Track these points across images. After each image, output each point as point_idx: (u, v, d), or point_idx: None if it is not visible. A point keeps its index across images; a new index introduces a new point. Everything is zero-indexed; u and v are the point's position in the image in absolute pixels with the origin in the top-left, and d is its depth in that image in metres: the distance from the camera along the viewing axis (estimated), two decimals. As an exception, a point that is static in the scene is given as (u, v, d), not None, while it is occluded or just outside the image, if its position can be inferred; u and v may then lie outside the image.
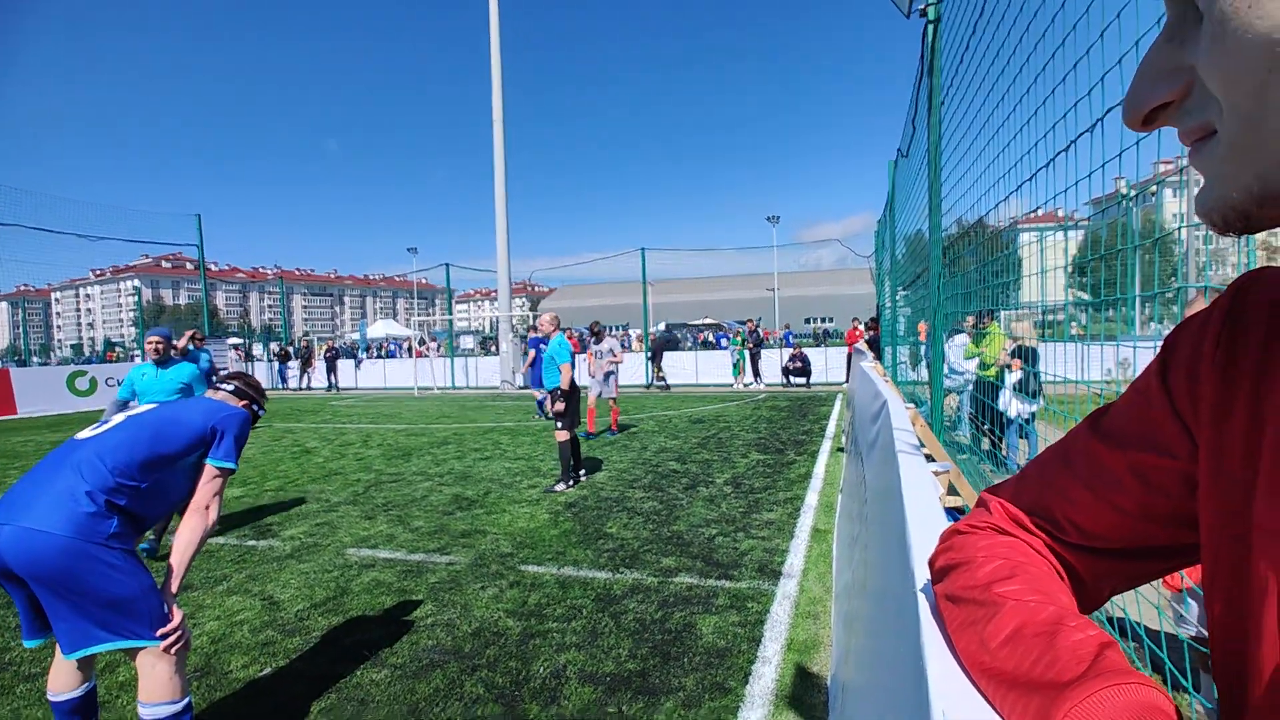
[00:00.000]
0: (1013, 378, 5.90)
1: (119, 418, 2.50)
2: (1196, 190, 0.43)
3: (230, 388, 2.87)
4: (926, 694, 0.56)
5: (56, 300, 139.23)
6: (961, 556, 0.62)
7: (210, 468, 2.53)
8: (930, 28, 3.37)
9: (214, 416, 2.57)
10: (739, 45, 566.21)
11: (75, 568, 2.10)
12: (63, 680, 2.36)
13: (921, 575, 0.80)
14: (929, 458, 2.62)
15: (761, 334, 20.26)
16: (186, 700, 2.34)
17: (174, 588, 2.35)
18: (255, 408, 2.92)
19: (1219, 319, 0.51)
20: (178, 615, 2.32)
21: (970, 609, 0.57)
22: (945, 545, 0.67)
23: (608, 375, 10.78)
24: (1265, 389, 0.45)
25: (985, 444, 4.24)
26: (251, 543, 5.39)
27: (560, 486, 6.95)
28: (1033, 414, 5.90)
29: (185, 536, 2.40)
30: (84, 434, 2.43)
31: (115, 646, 2.20)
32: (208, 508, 2.48)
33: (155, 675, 2.26)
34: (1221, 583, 0.47)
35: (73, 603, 2.12)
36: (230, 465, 2.56)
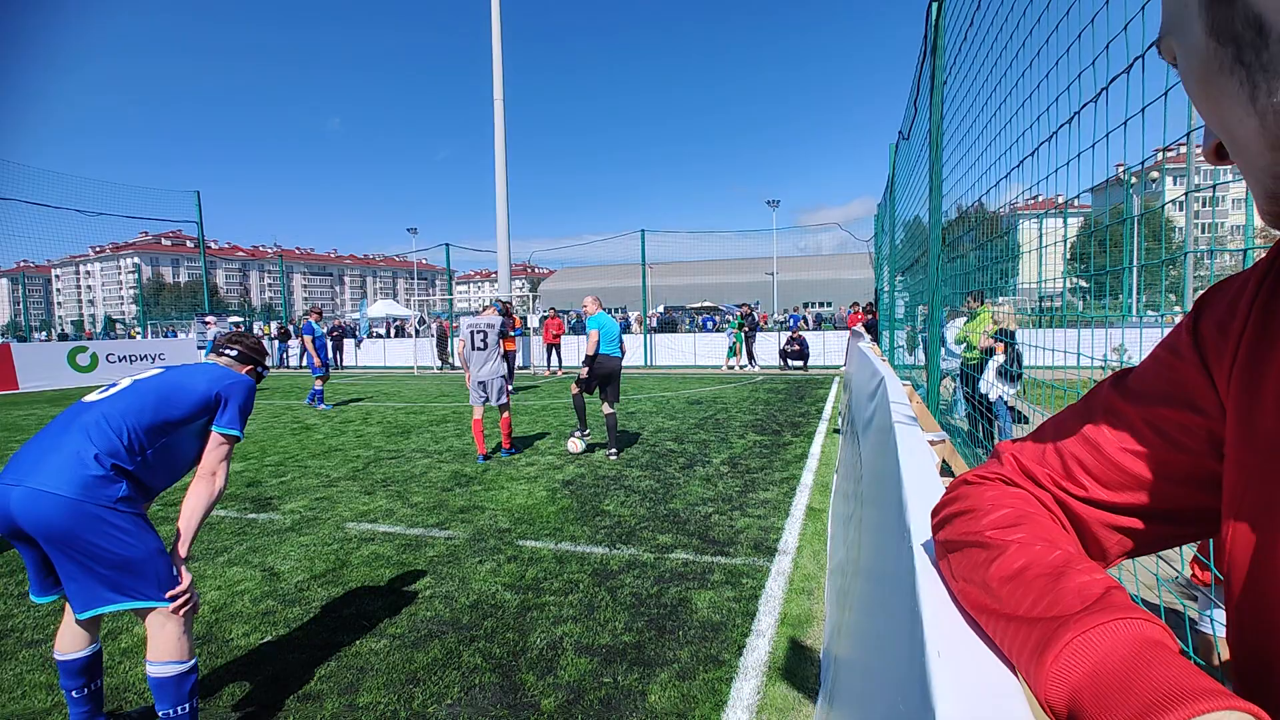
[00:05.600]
0: (996, 360, 5.92)
1: (125, 381, 2.52)
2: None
3: (234, 353, 2.87)
4: (921, 636, 0.56)
5: (57, 277, 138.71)
6: (966, 505, 0.62)
7: (216, 435, 2.55)
8: (934, 5, 3.34)
9: (219, 383, 2.58)
10: (741, 27, 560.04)
11: (84, 530, 2.16)
12: (69, 641, 2.41)
13: (918, 529, 0.80)
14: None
15: (758, 318, 20.26)
16: (193, 661, 2.40)
17: (183, 551, 2.41)
18: (259, 369, 2.93)
19: (1258, 278, 0.50)
20: (186, 578, 2.39)
21: (973, 552, 0.57)
22: (951, 495, 0.66)
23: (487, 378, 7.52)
24: None
25: (980, 428, 4.26)
26: (252, 515, 5.43)
27: (583, 432, 7.71)
28: (1013, 394, 5.93)
29: (192, 502, 2.45)
30: (92, 396, 2.46)
31: (124, 607, 2.26)
32: (214, 474, 2.52)
33: (163, 635, 2.33)
34: (1243, 542, 0.47)
35: (82, 564, 2.18)
36: (235, 433, 2.58)
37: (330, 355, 12.68)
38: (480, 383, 7.43)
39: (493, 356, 7.47)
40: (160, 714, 2.36)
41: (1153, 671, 0.38)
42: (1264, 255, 0.51)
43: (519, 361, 18.50)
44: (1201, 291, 0.57)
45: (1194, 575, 2.65)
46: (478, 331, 7.42)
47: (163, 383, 2.52)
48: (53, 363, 18.70)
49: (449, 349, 21.93)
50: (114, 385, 2.52)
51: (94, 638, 2.45)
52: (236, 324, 27.43)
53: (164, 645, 2.33)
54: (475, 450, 7.81)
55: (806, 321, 28.86)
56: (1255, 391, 0.48)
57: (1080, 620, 0.43)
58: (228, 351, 2.87)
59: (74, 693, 2.43)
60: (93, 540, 2.17)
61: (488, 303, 8.16)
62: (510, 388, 13.21)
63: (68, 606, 2.38)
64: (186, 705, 2.38)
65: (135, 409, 2.39)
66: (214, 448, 2.54)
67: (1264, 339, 0.48)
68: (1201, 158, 0.49)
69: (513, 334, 14.67)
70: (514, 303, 21.26)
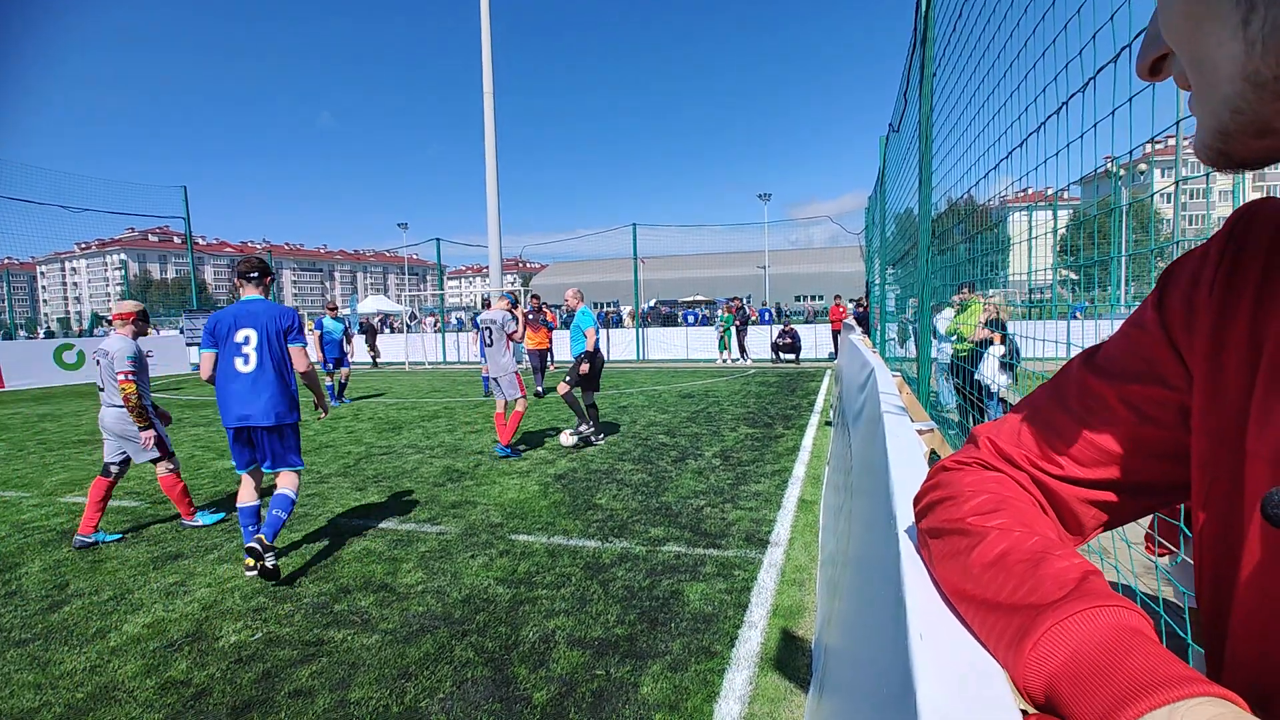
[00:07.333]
0: (996, 351, 5.92)
1: (253, 356, 4.07)
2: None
3: (256, 276, 4.26)
4: (905, 621, 0.56)
5: (42, 274, 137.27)
6: (947, 492, 0.62)
7: (293, 348, 4.20)
8: (924, -5, 3.33)
9: (280, 317, 4.17)
10: (733, 20, 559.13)
11: (292, 431, 4.24)
12: (248, 497, 4.22)
13: (903, 516, 0.80)
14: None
15: (748, 311, 20.32)
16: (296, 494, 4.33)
17: (322, 396, 4.62)
18: (272, 276, 4.40)
19: (1218, 248, 0.50)
20: (329, 401, 4.78)
21: (954, 539, 0.57)
22: (931, 482, 0.67)
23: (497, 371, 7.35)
24: (1263, 317, 0.45)
25: (970, 419, 4.28)
26: (242, 513, 5.40)
27: (584, 428, 7.61)
28: (1007, 387, 5.94)
29: (308, 377, 4.29)
30: (245, 367, 4.06)
31: (295, 467, 4.27)
32: (305, 365, 4.24)
33: (293, 476, 4.27)
34: (1212, 509, 0.48)
35: (284, 445, 4.21)
36: (305, 344, 4.26)
37: (342, 350, 12.48)
38: (494, 378, 7.34)
39: (500, 352, 7.26)
40: (274, 512, 4.06)
41: (1129, 659, 0.38)
42: (1222, 226, 0.51)
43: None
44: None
45: (1147, 548, 2.70)
46: (485, 328, 7.34)
47: (268, 339, 4.09)
48: (39, 361, 18.54)
49: (377, 345, 22.02)
50: (243, 349, 4.06)
51: (259, 495, 4.28)
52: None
53: (293, 483, 4.25)
54: (469, 445, 7.83)
55: (779, 314, 28.87)
56: (1220, 360, 0.48)
57: (1058, 608, 0.43)
58: (252, 277, 4.25)
59: (250, 528, 4.20)
60: (293, 435, 4.26)
61: (499, 295, 8.04)
62: (540, 389, 12.71)
63: (245, 478, 4.22)
64: (288, 513, 4.15)
65: (279, 360, 4.12)
66: (296, 354, 4.21)
67: (1227, 308, 0.48)
68: (1190, 149, 0.48)
69: (545, 325, 13.19)
70: (520, 294, 20.24)
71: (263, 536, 3.96)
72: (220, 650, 3.18)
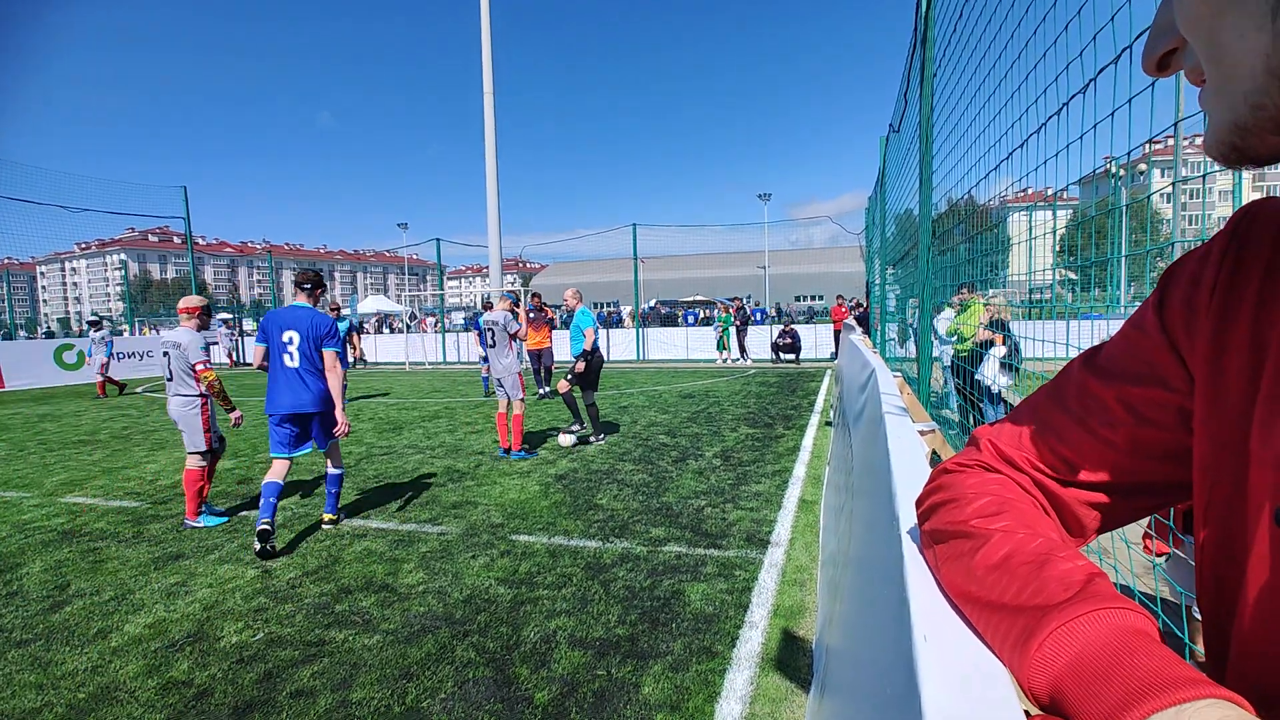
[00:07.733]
0: (998, 351, 5.91)
1: (296, 356, 4.66)
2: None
3: (308, 287, 4.88)
4: (909, 622, 0.56)
5: (42, 274, 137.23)
6: (949, 495, 0.62)
7: (326, 351, 4.77)
8: (924, -4, 3.33)
9: (319, 322, 4.75)
10: (733, 20, 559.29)
11: (329, 416, 4.83)
12: (279, 475, 4.62)
13: (906, 516, 0.80)
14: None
15: (748, 311, 20.36)
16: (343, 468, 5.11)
17: (341, 406, 4.86)
18: (323, 288, 5.02)
19: (1220, 249, 0.50)
20: (347, 419, 4.88)
21: (957, 542, 0.57)
22: (934, 485, 0.67)
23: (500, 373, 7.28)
24: (1266, 318, 0.45)
25: (971, 419, 4.28)
26: (244, 513, 5.41)
27: (576, 427, 7.78)
28: (1008, 387, 5.94)
29: (333, 383, 4.81)
30: (291, 362, 4.66)
31: (333, 442, 4.93)
32: (334, 368, 4.80)
33: (336, 454, 5.01)
34: (1215, 512, 0.48)
35: (325, 427, 4.84)
36: (339, 349, 4.83)
37: (346, 350, 12.27)
38: (497, 379, 7.30)
39: (502, 353, 7.27)
40: (331, 490, 4.97)
41: (1134, 660, 0.38)
42: (1223, 227, 0.51)
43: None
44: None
45: (1146, 548, 2.70)
46: (487, 329, 7.38)
47: (308, 341, 4.68)
48: (39, 361, 18.54)
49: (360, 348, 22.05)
50: (288, 348, 4.65)
51: (287, 476, 4.87)
52: (226, 320, 27.19)
53: (337, 459, 5.01)
54: (470, 445, 7.86)
55: (779, 314, 29.06)
56: (1221, 363, 0.48)
57: (1064, 610, 0.43)
58: (305, 287, 4.87)
59: (270, 500, 4.46)
60: (330, 418, 4.83)
61: (501, 295, 8.12)
62: (544, 390, 12.36)
63: (275, 462, 4.66)
64: (340, 488, 5.03)
65: (312, 357, 4.70)
66: (327, 356, 4.77)
67: (1228, 310, 0.48)
68: (1190, 149, 0.47)
69: (547, 323, 12.68)
70: (521, 293, 19.84)
71: (327, 514, 5.02)
72: (222, 650, 3.19)
